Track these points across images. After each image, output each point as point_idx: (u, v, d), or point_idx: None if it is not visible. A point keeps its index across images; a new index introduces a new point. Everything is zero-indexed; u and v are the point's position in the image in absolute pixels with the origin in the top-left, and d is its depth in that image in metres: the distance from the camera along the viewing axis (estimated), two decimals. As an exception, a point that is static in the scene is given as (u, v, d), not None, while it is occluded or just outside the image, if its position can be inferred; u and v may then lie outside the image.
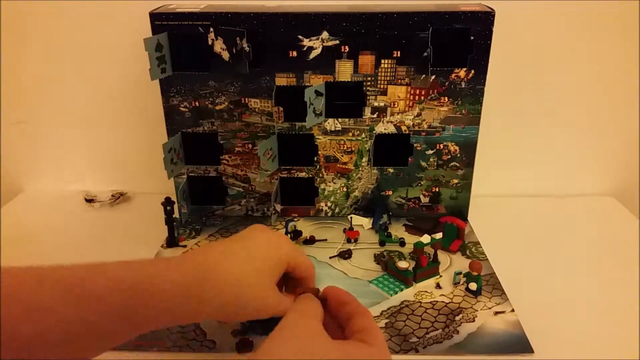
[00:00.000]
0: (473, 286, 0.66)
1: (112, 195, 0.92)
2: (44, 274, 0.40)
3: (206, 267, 0.48)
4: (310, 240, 0.78)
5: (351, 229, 0.79)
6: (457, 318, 0.62)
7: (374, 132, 0.78)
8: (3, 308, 0.36)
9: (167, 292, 0.44)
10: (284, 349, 0.38)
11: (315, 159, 0.80)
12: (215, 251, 0.51)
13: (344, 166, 0.81)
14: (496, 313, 0.63)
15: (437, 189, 0.82)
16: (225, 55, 0.73)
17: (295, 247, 0.57)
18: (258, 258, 0.51)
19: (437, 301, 0.65)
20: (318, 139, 0.79)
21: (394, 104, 0.76)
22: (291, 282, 0.56)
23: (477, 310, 0.63)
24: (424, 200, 0.83)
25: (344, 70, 0.74)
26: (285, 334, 0.40)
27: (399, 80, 0.75)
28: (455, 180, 0.81)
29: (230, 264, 0.49)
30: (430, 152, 0.79)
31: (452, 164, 0.80)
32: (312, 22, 0.71)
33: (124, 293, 0.42)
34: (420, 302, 0.65)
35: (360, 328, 0.42)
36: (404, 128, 0.78)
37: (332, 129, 0.78)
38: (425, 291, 0.67)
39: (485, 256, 0.74)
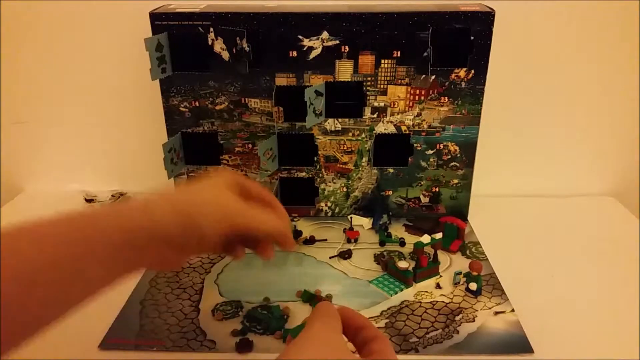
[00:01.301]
0: (473, 286, 0.66)
1: (112, 195, 0.92)
2: (23, 230, 0.41)
3: (177, 195, 0.49)
4: (310, 240, 0.78)
5: (351, 229, 0.79)
6: (457, 318, 0.62)
7: (374, 132, 0.78)
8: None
9: (158, 221, 0.45)
10: (309, 355, 0.38)
11: (315, 159, 0.80)
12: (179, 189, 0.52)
13: (344, 166, 0.81)
14: (496, 313, 0.63)
15: (437, 189, 0.82)
16: (225, 55, 0.73)
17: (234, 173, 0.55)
18: (216, 182, 0.51)
19: (437, 301, 0.65)
20: (318, 139, 0.79)
21: (394, 104, 0.76)
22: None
23: (477, 310, 0.63)
24: (424, 200, 0.83)
25: (344, 70, 0.74)
26: (311, 343, 0.40)
27: (399, 80, 0.75)
28: (455, 180, 0.81)
29: (194, 188, 0.50)
30: (430, 152, 0.79)
31: (452, 164, 0.80)
32: (312, 22, 0.71)
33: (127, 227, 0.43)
34: (420, 302, 0.65)
35: (377, 350, 0.42)
36: (404, 128, 0.78)
37: (332, 129, 0.78)
38: (425, 291, 0.67)
39: (485, 256, 0.74)
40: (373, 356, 0.41)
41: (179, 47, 0.73)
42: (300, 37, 0.72)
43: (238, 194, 0.51)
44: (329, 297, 0.65)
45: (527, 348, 0.57)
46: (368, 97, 0.76)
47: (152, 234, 0.45)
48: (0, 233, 0.38)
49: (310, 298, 0.65)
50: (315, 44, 0.73)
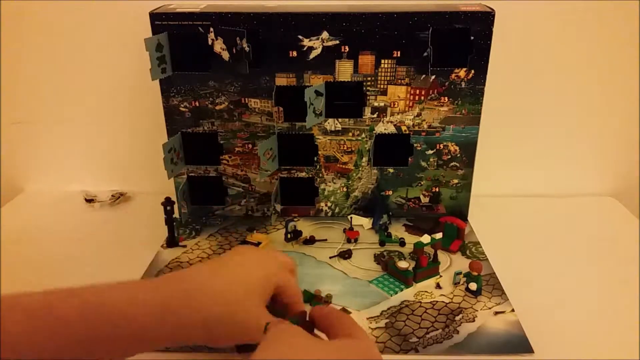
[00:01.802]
0: (473, 286, 0.66)
1: (112, 195, 0.92)
2: (13, 302, 0.40)
3: (188, 284, 0.47)
4: (310, 240, 0.78)
5: (351, 229, 0.79)
6: (457, 318, 0.62)
7: (374, 132, 0.78)
8: None
9: (144, 314, 0.43)
10: (277, 349, 0.38)
11: (315, 159, 0.80)
12: (200, 268, 0.50)
13: (344, 166, 0.81)
14: (496, 313, 0.63)
15: (437, 189, 0.82)
16: (225, 55, 0.73)
17: (283, 268, 0.55)
18: (245, 275, 0.50)
19: (437, 301, 0.65)
20: (318, 139, 0.79)
21: (394, 104, 0.76)
22: (278, 307, 0.53)
23: (477, 310, 0.63)
24: (424, 200, 0.83)
25: (344, 70, 0.74)
26: (275, 340, 0.40)
27: (399, 80, 0.75)
28: (455, 180, 0.81)
29: (216, 281, 0.48)
30: (430, 152, 0.79)
31: (452, 164, 0.80)
32: (312, 22, 0.71)
33: (92, 317, 0.41)
34: (420, 302, 0.65)
35: (343, 326, 0.42)
36: (404, 128, 0.78)
37: (332, 129, 0.78)
38: (425, 291, 0.67)
39: (485, 256, 0.74)
40: (341, 334, 0.42)
41: (179, 47, 0.73)
42: (300, 37, 0.72)
43: (267, 297, 0.50)
44: (329, 297, 0.65)
45: (527, 348, 0.57)
46: (368, 97, 0.76)
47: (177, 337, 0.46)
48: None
49: (310, 298, 0.65)
50: (315, 44, 0.73)
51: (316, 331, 0.45)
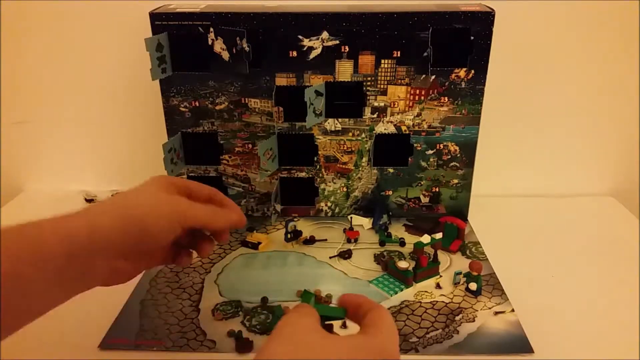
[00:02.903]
0: (473, 286, 0.66)
1: (112, 195, 0.92)
2: None
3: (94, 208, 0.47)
4: (310, 240, 0.78)
5: (351, 229, 0.79)
6: (457, 318, 0.62)
7: (374, 132, 0.78)
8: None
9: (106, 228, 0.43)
10: (284, 347, 0.38)
11: (315, 159, 0.80)
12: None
13: (344, 166, 0.81)
14: (496, 313, 0.63)
15: (437, 189, 0.82)
16: (225, 55, 0.73)
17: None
18: (153, 184, 0.51)
19: (437, 301, 0.65)
20: (318, 139, 0.79)
21: (394, 104, 0.76)
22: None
23: (477, 310, 0.63)
24: (424, 200, 0.83)
25: (344, 70, 0.74)
26: (283, 333, 0.40)
27: (399, 80, 0.75)
28: (455, 180, 0.81)
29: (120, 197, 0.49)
30: (430, 152, 0.79)
31: (452, 164, 0.80)
32: (312, 22, 0.71)
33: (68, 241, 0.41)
34: (420, 302, 0.65)
35: (369, 322, 0.42)
36: (404, 128, 0.78)
37: (332, 129, 0.78)
38: (425, 291, 0.67)
39: (485, 256, 0.74)
40: (366, 328, 0.41)
41: (179, 47, 0.73)
42: (300, 37, 0.72)
43: (180, 194, 0.51)
44: (329, 297, 0.65)
45: (527, 348, 0.57)
46: (368, 97, 0.76)
47: (95, 242, 0.42)
48: None
49: (310, 298, 0.65)
50: (315, 44, 0.73)
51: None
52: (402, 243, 0.77)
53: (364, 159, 0.80)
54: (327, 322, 0.44)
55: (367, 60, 0.74)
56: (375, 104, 0.76)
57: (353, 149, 0.80)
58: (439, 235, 0.70)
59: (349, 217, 0.81)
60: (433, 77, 0.74)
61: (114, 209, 0.46)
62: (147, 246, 0.47)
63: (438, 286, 0.68)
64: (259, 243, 0.76)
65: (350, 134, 0.79)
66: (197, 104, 0.77)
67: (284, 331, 0.40)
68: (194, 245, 0.54)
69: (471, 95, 0.75)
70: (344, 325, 0.56)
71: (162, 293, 0.67)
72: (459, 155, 0.79)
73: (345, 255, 0.74)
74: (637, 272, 0.71)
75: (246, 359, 0.57)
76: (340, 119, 0.77)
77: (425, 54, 0.73)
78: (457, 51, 0.72)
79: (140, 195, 0.49)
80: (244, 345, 0.57)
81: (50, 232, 0.41)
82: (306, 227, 0.81)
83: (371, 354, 0.38)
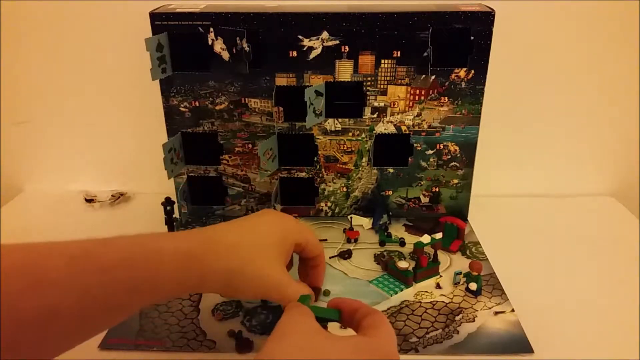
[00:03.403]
0: (473, 286, 0.66)
1: (112, 195, 0.92)
2: (49, 248, 0.40)
3: (211, 237, 0.49)
4: (310, 240, 0.78)
5: (351, 229, 0.79)
6: (457, 318, 0.62)
7: (374, 132, 0.78)
8: (4, 283, 0.35)
9: (171, 262, 0.44)
10: (286, 348, 0.38)
11: (315, 159, 0.80)
12: (222, 225, 0.52)
13: (344, 166, 0.81)
14: (496, 313, 0.63)
15: (437, 189, 0.82)
16: (225, 55, 0.73)
17: (303, 225, 0.57)
18: (264, 231, 0.52)
19: (437, 301, 0.65)
20: (318, 139, 0.79)
21: (394, 104, 0.76)
22: (302, 266, 0.58)
23: (477, 310, 0.63)
24: (424, 200, 0.83)
25: (344, 70, 0.74)
26: (285, 332, 0.40)
27: (399, 80, 0.75)
28: (455, 180, 0.81)
29: (235, 235, 0.50)
30: (430, 152, 0.79)
31: (452, 164, 0.80)
32: (312, 22, 0.71)
33: (128, 263, 0.42)
34: (420, 302, 0.65)
35: (367, 325, 0.42)
36: (404, 128, 0.78)
37: (332, 129, 0.78)
38: (425, 291, 0.67)
39: (485, 256, 0.74)
40: (365, 330, 0.41)
41: (179, 47, 0.73)
42: (300, 37, 0.72)
43: (288, 253, 0.53)
44: (327, 293, 0.65)
45: (527, 348, 0.57)
46: (368, 97, 0.76)
47: (201, 284, 0.48)
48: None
49: (306, 298, 0.65)
50: (315, 44, 0.73)
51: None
52: (402, 243, 0.77)
53: (364, 159, 0.80)
54: (321, 324, 0.44)
55: (367, 60, 0.74)
56: (375, 104, 0.76)
57: (353, 149, 0.80)
58: (439, 235, 0.70)
59: (349, 217, 0.81)
60: (433, 77, 0.74)
61: (207, 266, 0.47)
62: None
63: (438, 286, 0.68)
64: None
65: (350, 134, 0.79)
66: (197, 104, 0.77)
67: (285, 331, 0.40)
68: None
69: (471, 95, 0.75)
70: (343, 326, 0.56)
71: (162, 293, 0.67)
72: (459, 155, 0.79)
73: (345, 255, 0.74)
74: (637, 272, 0.71)
75: (246, 359, 0.57)
76: (340, 119, 0.77)
77: (425, 54, 0.73)
78: (457, 51, 0.72)
79: (242, 249, 0.49)
80: (244, 345, 0.57)
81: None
82: (306, 227, 0.81)
83: (372, 355, 0.39)
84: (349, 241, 0.78)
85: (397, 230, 0.81)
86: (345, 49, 0.73)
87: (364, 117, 0.77)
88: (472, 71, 0.74)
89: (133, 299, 0.43)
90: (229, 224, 0.53)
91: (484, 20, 0.70)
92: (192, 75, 0.76)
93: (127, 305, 0.43)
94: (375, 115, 0.77)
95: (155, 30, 0.72)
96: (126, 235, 0.45)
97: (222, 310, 0.63)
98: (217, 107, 0.78)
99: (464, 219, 0.82)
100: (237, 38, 0.71)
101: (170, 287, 0.45)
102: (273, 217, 0.55)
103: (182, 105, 0.78)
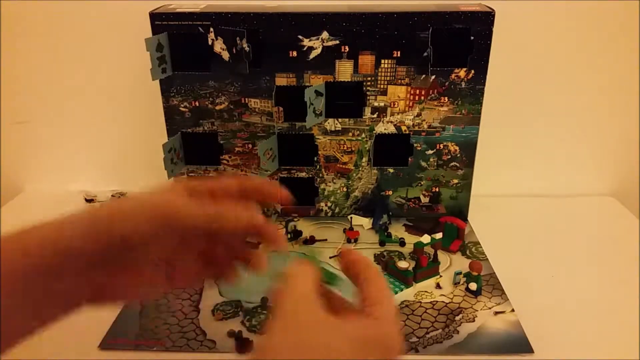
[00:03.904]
0: (473, 286, 0.66)
1: (112, 195, 0.92)
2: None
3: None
4: (310, 240, 0.78)
5: (351, 229, 0.79)
6: (457, 318, 0.62)
7: (374, 132, 0.78)
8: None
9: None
10: (285, 344, 0.37)
11: (315, 159, 0.80)
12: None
13: (344, 166, 0.81)
14: (496, 313, 0.63)
15: (437, 189, 0.82)
16: (225, 55, 0.73)
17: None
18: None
19: (437, 301, 0.65)
20: (318, 139, 0.79)
21: (394, 104, 0.76)
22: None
23: (477, 310, 0.63)
24: (424, 200, 0.83)
25: (344, 70, 0.74)
26: (282, 323, 0.38)
27: (399, 80, 0.75)
28: (455, 180, 0.81)
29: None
30: (430, 152, 0.79)
31: (452, 164, 0.80)
32: (312, 22, 0.71)
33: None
34: (420, 302, 0.65)
35: (369, 301, 0.39)
36: (404, 128, 0.78)
37: (332, 129, 0.78)
38: (425, 291, 0.67)
39: (485, 256, 0.74)
40: (365, 304, 0.40)
41: (179, 47, 0.73)
42: (300, 37, 0.72)
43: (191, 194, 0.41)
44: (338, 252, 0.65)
45: (527, 348, 0.57)
46: (368, 97, 0.76)
47: (64, 252, 0.36)
48: None
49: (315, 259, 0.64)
50: (315, 44, 0.73)
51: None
52: (402, 243, 0.77)
53: (364, 159, 0.80)
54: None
55: (367, 60, 0.74)
56: (375, 104, 0.76)
57: (353, 149, 0.80)
58: (439, 235, 0.70)
59: (349, 217, 0.81)
60: (433, 77, 0.74)
61: (90, 215, 0.38)
62: (128, 256, 0.38)
63: (438, 286, 0.68)
64: (259, 243, 0.76)
65: (350, 134, 0.79)
66: (197, 104, 0.77)
67: (284, 321, 0.38)
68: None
69: (471, 95, 0.75)
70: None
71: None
72: (459, 155, 0.79)
73: (345, 255, 0.74)
74: (637, 272, 0.70)
75: (246, 359, 0.57)
76: (340, 119, 0.77)
77: (425, 54, 0.73)
78: (457, 51, 0.72)
79: (131, 198, 0.40)
80: (244, 345, 0.57)
81: (16, 247, 0.37)
82: (306, 227, 0.81)
83: (377, 343, 0.37)
84: (349, 241, 0.78)
85: (397, 230, 0.81)
86: (345, 49, 0.73)
87: (364, 117, 0.77)
88: (472, 71, 0.73)
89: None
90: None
91: (484, 20, 0.70)
92: (192, 75, 0.76)
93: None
94: (375, 115, 0.77)
95: (155, 30, 0.72)
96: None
97: (222, 310, 0.63)
98: (217, 107, 0.78)
99: (464, 219, 0.82)
100: (237, 38, 0.71)
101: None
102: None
103: (182, 105, 0.78)
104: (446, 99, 0.75)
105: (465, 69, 0.73)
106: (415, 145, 0.79)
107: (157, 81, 0.75)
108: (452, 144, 0.79)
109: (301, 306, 0.39)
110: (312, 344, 0.36)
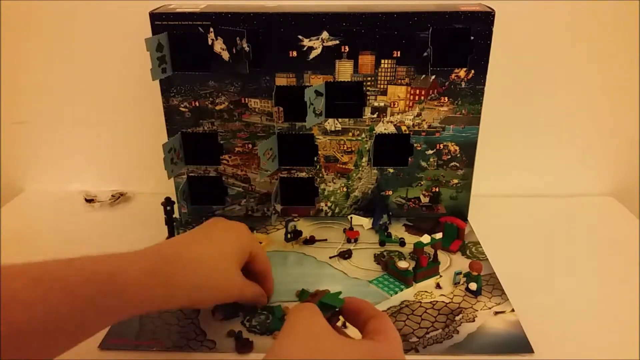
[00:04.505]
0: (473, 286, 0.66)
1: (112, 195, 0.92)
2: (14, 269, 0.41)
3: (172, 252, 0.51)
4: (310, 240, 0.78)
5: (351, 229, 0.79)
6: (457, 318, 0.62)
7: (374, 132, 0.78)
8: None
9: (134, 279, 0.46)
10: (296, 348, 0.37)
11: (315, 159, 0.80)
12: (180, 239, 0.56)
13: (344, 166, 0.81)
14: (496, 313, 0.63)
15: (437, 189, 0.82)
16: (225, 55, 0.73)
17: (254, 237, 0.61)
18: (222, 242, 0.55)
19: (437, 301, 0.65)
20: (318, 139, 0.79)
21: (394, 104, 0.76)
22: (250, 278, 0.61)
23: (477, 310, 0.63)
24: (424, 200, 0.83)
25: (344, 70, 0.74)
26: (295, 332, 0.39)
27: (399, 80, 0.75)
28: (455, 180, 0.81)
29: (196, 248, 0.53)
30: (430, 152, 0.79)
31: (452, 164, 0.80)
32: (312, 22, 0.71)
33: (92, 282, 0.43)
34: (420, 302, 0.65)
35: (373, 329, 0.42)
36: (404, 128, 0.78)
37: (332, 129, 0.78)
38: (425, 291, 0.67)
39: (485, 256, 0.74)
40: (370, 335, 0.41)
41: (179, 47, 0.73)
42: (300, 37, 0.72)
43: (243, 259, 0.57)
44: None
45: (527, 348, 0.57)
46: (368, 97, 0.76)
47: (167, 301, 0.49)
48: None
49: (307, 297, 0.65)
50: (315, 44, 0.73)
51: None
52: (402, 243, 0.77)
53: (364, 159, 0.80)
54: (331, 316, 0.44)
55: (367, 60, 0.74)
56: (375, 104, 0.76)
57: (353, 149, 0.80)
58: (439, 235, 0.70)
59: (349, 217, 0.81)
60: (433, 77, 0.74)
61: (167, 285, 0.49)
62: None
63: (438, 286, 0.68)
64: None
65: (350, 134, 0.79)
66: (197, 104, 0.77)
67: (297, 330, 0.39)
68: None
69: (471, 95, 0.75)
70: (344, 326, 0.56)
71: (162, 293, 0.67)
72: (459, 155, 0.79)
73: (345, 255, 0.74)
74: (637, 272, 0.70)
75: (246, 359, 0.57)
76: (340, 119, 0.77)
77: (425, 54, 0.73)
78: (457, 51, 0.72)
79: (206, 264, 0.52)
80: (244, 345, 0.57)
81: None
82: (306, 227, 0.81)
83: (383, 357, 0.39)
84: (349, 241, 0.78)
85: (397, 230, 0.81)
86: (345, 49, 0.73)
87: (364, 117, 0.77)
88: (472, 71, 0.74)
89: (100, 318, 0.45)
90: (188, 236, 0.57)
91: (484, 20, 0.70)
92: (192, 75, 0.76)
93: (93, 322, 0.44)
94: (375, 115, 0.77)
95: (155, 30, 0.72)
96: (91, 255, 0.46)
97: (222, 310, 0.63)
98: (217, 107, 0.78)
99: (464, 219, 0.82)
100: (237, 38, 0.71)
101: (135, 304, 0.46)
102: (227, 225, 0.60)
103: (182, 105, 0.78)
104: (446, 99, 0.75)
105: (465, 69, 0.73)
106: (415, 145, 0.79)
107: (157, 81, 0.75)
108: (452, 144, 0.79)
109: (313, 319, 0.40)
110: (323, 351, 0.37)
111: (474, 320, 0.62)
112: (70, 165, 0.96)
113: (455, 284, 0.68)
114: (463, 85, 0.74)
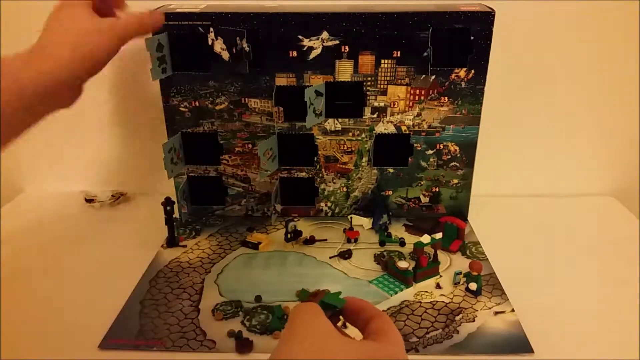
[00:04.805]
0: (473, 286, 0.66)
1: (112, 195, 0.92)
2: None
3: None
4: (310, 240, 0.78)
5: (351, 229, 0.79)
6: (457, 318, 0.62)
7: (374, 132, 0.78)
8: None
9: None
10: (301, 348, 0.38)
11: (315, 159, 0.80)
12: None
13: (344, 166, 0.81)
14: (496, 313, 0.63)
15: (437, 189, 0.82)
16: (225, 55, 0.73)
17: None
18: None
19: (437, 301, 0.65)
20: (318, 139, 0.79)
21: (394, 104, 0.76)
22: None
23: (477, 310, 0.63)
24: (424, 200, 0.83)
25: (344, 70, 0.74)
26: (299, 332, 0.39)
27: (399, 80, 0.75)
28: (455, 180, 0.81)
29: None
30: (430, 152, 0.79)
31: (452, 164, 0.80)
32: (312, 22, 0.71)
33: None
34: (420, 302, 0.65)
35: (375, 330, 0.42)
36: (404, 128, 0.78)
37: (332, 129, 0.78)
38: (425, 291, 0.67)
39: (485, 256, 0.74)
40: (372, 336, 0.41)
41: (179, 47, 0.73)
42: (300, 37, 0.72)
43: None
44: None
45: (527, 348, 0.57)
46: (368, 97, 0.76)
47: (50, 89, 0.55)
48: None
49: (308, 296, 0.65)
50: (315, 44, 0.73)
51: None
52: (402, 243, 0.77)
53: (364, 159, 0.80)
54: (332, 315, 0.44)
55: (367, 60, 0.74)
56: (375, 104, 0.76)
57: (353, 149, 0.80)
58: (439, 235, 0.70)
59: (349, 217, 0.81)
60: (433, 77, 0.74)
61: (65, 47, 0.55)
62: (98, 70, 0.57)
63: (438, 286, 0.68)
64: (259, 243, 0.76)
65: (350, 134, 0.79)
66: (197, 104, 0.77)
67: (301, 330, 0.39)
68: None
69: (471, 95, 0.75)
70: (344, 325, 0.56)
71: (162, 293, 0.67)
72: (459, 155, 0.79)
73: (345, 255, 0.74)
74: (637, 272, 0.71)
75: (246, 359, 0.57)
76: (340, 119, 0.77)
77: (425, 54, 0.73)
78: (457, 51, 0.72)
79: (75, 23, 0.58)
80: (244, 345, 0.57)
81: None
82: (306, 227, 0.81)
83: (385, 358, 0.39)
84: (349, 241, 0.78)
85: (397, 230, 0.81)
86: (345, 49, 0.73)
87: (364, 117, 0.77)
88: (472, 71, 0.74)
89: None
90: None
91: (484, 20, 0.70)
92: (192, 75, 0.76)
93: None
94: (375, 115, 0.77)
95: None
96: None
97: (222, 310, 0.63)
98: (217, 107, 0.78)
99: (464, 219, 0.82)
100: (237, 38, 0.71)
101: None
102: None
103: (182, 105, 0.78)
104: (446, 99, 0.75)
105: (465, 69, 0.73)
106: (415, 145, 0.79)
107: (157, 81, 0.75)
108: (452, 144, 0.79)
109: (317, 319, 0.41)
110: (328, 352, 0.37)
111: (474, 320, 0.62)
112: (70, 165, 0.96)
113: (455, 284, 0.68)
114: (463, 85, 0.75)
